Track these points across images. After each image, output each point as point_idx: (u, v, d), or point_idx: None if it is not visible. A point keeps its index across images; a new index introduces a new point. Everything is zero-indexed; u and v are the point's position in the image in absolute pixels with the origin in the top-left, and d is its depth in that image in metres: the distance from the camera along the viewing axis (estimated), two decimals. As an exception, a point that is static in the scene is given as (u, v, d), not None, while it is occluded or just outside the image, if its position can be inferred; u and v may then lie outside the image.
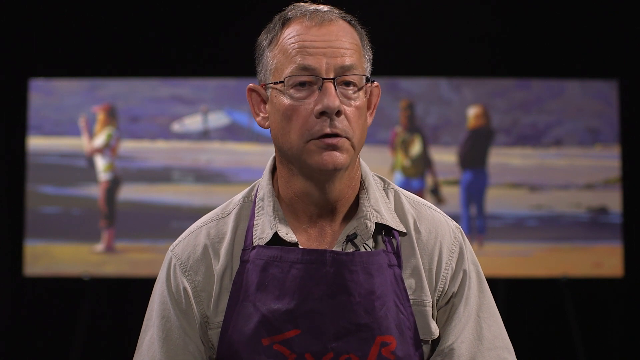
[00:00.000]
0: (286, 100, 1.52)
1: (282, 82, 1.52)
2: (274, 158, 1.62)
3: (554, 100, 5.19)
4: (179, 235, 1.65)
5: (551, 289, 5.08)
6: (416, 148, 5.25)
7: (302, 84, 1.51)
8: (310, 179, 1.54)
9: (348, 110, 1.52)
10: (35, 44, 5.23)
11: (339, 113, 1.50)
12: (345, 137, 1.51)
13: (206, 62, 5.29)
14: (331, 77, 1.50)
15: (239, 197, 1.65)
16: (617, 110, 5.13)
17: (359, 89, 1.53)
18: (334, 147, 1.50)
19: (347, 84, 1.52)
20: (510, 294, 5.03)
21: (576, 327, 4.96)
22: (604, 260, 5.11)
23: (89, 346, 5.06)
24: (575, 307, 5.01)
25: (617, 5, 5.17)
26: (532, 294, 5.18)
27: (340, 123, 1.50)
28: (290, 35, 1.53)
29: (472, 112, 5.22)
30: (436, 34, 5.19)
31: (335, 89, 1.50)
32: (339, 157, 1.51)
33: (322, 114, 1.50)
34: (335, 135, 1.50)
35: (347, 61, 1.51)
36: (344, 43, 1.52)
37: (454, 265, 1.59)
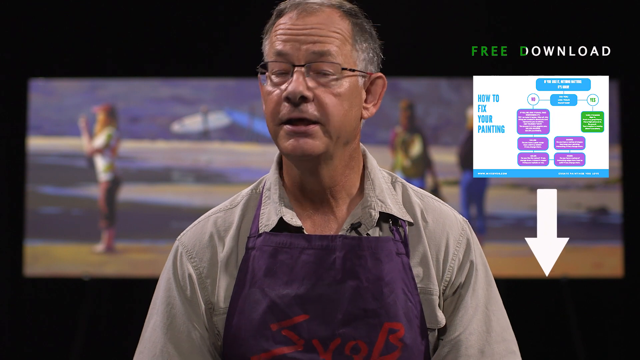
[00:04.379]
0: (268, 87, 1.56)
1: (259, 68, 1.57)
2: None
3: (554, 101, 5.19)
4: (178, 236, 1.66)
5: (551, 289, 5.08)
6: (416, 148, 5.25)
7: (279, 71, 1.54)
8: (297, 165, 1.57)
9: (323, 96, 1.52)
10: (35, 44, 5.23)
11: (305, 99, 1.51)
12: (317, 123, 1.52)
13: (206, 62, 5.29)
14: (302, 63, 1.52)
15: (247, 189, 1.67)
16: (617, 111, 5.13)
17: (339, 78, 1.53)
18: (303, 134, 1.52)
19: (324, 72, 1.53)
20: (510, 294, 5.03)
21: (576, 327, 4.96)
22: (604, 260, 5.11)
23: (89, 346, 5.06)
24: (575, 307, 5.01)
25: (616, 5, 5.17)
26: (532, 294, 5.18)
27: (310, 108, 1.52)
28: (278, 24, 1.57)
29: (472, 112, 5.22)
30: (436, 34, 5.19)
31: (306, 75, 1.52)
32: (309, 143, 1.52)
33: (287, 99, 1.52)
34: (302, 120, 1.52)
35: (322, 47, 1.52)
36: (322, 31, 1.53)
37: (461, 256, 1.61)
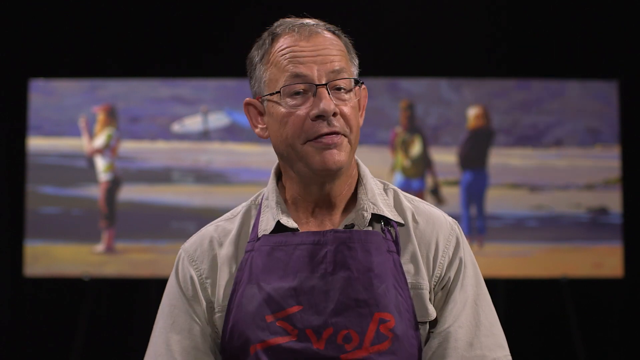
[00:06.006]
0: (282, 109, 1.62)
1: (279, 92, 1.62)
2: (279, 164, 1.72)
3: (554, 101, 5.19)
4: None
5: (551, 289, 5.08)
6: (416, 148, 5.25)
7: (296, 93, 1.61)
8: (311, 180, 1.63)
9: (344, 109, 1.62)
10: (35, 44, 5.23)
11: (334, 114, 1.61)
12: (343, 135, 1.61)
13: (206, 62, 5.29)
14: (323, 82, 1.61)
15: (246, 202, 1.75)
16: (617, 111, 5.13)
17: (349, 91, 1.64)
18: (333, 146, 1.60)
19: (339, 87, 1.63)
20: (510, 294, 5.04)
21: (576, 327, 4.96)
22: (604, 260, 5.11)
23: (89, 346, 5.06)
24: (576, 307, 5.01)
25: (617, 5, 5.18)
26: (532, 294, 5.18)
27: (338, 122, 1.61)
28: (281, 48, 1.64)
29: (472, 112, 5.23)
30: (436, 34, 5.19)
31: (329, 93, 1.61)
32: (339, 154, 1.61)
33: (318, 117, 1.60)
34: (333, 132, 1.60)
35: (337, 66, 1.62)
36: (332, 51, 1.63)
37: (450, 253, 1.67)
